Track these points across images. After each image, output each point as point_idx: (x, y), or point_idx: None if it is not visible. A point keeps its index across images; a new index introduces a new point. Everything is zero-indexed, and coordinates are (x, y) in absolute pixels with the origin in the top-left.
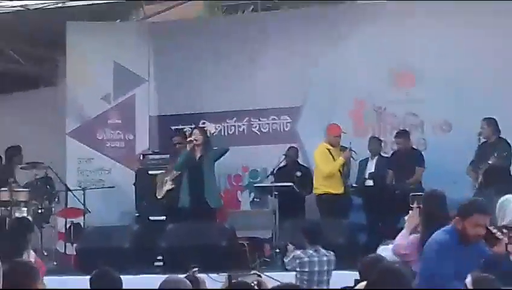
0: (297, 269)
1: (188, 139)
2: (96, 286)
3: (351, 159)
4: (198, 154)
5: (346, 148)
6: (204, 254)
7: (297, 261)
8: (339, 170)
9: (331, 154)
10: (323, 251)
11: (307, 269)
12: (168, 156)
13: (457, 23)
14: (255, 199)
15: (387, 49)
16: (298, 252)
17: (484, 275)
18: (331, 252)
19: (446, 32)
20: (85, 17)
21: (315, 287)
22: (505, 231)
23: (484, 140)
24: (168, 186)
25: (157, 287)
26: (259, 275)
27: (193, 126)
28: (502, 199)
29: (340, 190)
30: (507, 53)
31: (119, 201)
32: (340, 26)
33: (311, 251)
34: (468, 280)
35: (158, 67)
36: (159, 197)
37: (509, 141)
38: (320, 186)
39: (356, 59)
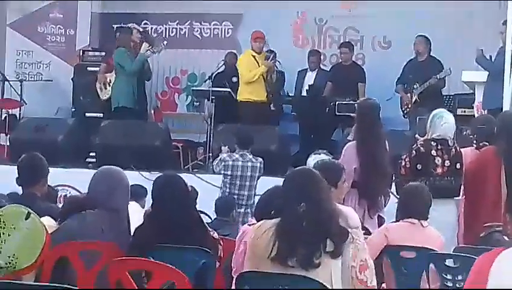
0: (222, 172)
1: (137, 40)
2: (24, 168)
3: (275, 68)
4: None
5: (270, 54)
6: (137, 152)
7: (223, 163)
8: (263, 78)
9: (256, 61)
10: (249, 156)
11: (229, 173)
12: (104, 53)
13: None
14: (195, 103)
15: None
16: (224, 155)
17: (414, 183)
18: (259, 159)
19: None
20: None
21: (236, 191)
22: (433, 143)
23: (415, 57)
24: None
25: (87, 181)
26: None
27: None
28: (433, 113)
29: (262, 97)
30: None
31: (57, 95)
32: None
33: (237, 155)
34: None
35: None
36: (103, 98)
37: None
38: (243, 92)
39: None
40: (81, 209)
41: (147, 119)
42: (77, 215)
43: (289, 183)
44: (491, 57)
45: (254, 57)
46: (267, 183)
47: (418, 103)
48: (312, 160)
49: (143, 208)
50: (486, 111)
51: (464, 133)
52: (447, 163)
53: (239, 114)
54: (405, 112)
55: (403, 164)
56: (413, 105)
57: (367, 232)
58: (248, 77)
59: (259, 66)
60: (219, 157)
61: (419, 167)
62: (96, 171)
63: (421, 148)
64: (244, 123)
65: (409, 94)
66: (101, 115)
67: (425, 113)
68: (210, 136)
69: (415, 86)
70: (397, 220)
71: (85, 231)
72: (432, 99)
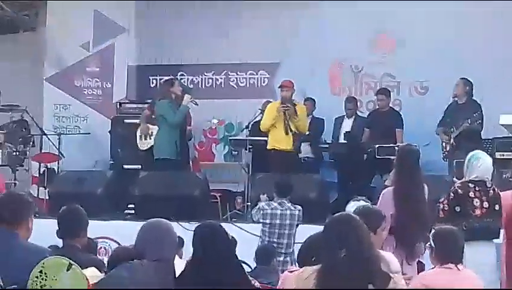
0: (261, 220)
1: (179, 92)
2: (64, 220)
3: (294, 115)
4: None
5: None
6: (176, 203)
7: (261, 212)
8: (288, 127)
9: None
10: (288, 204)
11: (268, 221)
12: (146, 106)
13: None
14: (233, 152)
15: (369, 12)
16: (263, 203)
17: (445, 227)
18: (297, 207)
19: None
20: None
21: (275, 240)
22: (471, 185)
23: (454, 100)
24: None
25: (127, 233)
26: None
27: (171, 77)
28: (469, 155)
29: (286, 146)
30: (486, 22)
31: (94, 148)
32: None
33: (275, 204)
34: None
35: (138, 17)
36: (142, 148)
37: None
38: (271, 141)
39: (337, 19)
40: (129, 259)
41: (190, 170)
42: (125, 265)
43: (329, 229)
44: None
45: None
46: (306, 231)
47: (455, 146)
48: (351, 207)
49: (180, 258)
50: None
51: (504, 176)
52: (486, 204)
53: (269, 163)
54: (444, 155)
55: (441, 207)
56: (451, 148)
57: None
58: (262, 124)
59: (284, 114)
60: (257, 206)
61: (457, 209)
62: (144, 222)
63: (459, 190)
64: (274, 172)
65: (447, 137)
66: (139, 166)
67: (463, 157)
68: (248, 185)
69: (451, 130)
70: (433, 267)
71: (133, 281)
72: (470, 142)
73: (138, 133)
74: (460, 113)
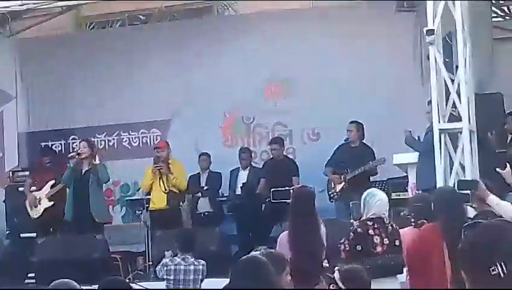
0: (165, 277)
1: (73, 153)
2: None
3: (168, 173)
4: (84, 168)
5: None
6: (76, 266)
7: (165, 268)
8: (164, 185)
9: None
10: (191, 259)
11: (172, 277)
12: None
13: (325, 34)
14: (137, 212)
15: (258, 62)
16: (167, 259)
17: (351, 266)
18: (201, 261)
19: (315, 43)
20: None
21: None
22: (369, 223)
23: (347, 142)
24: (45, 203)
25: None
26: None
27: (63, 142)
28: (365, 193)
29: (161, 204)
30: (372, 64)
31: None
32: (212, 39)
33: (179, 259)
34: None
35: (26, 84)
36: (34, 217)
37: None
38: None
39: (227, 71)
40: None
41: (96, 232)
42: None
43: (237, 272)
44: (419, 137)
45: None
46: (210, 285)
47: (347, 188)
48: None
49: None
50: (420, 192)
51: (401, 214)
52: (386, 241)
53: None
54: (331, 196)
55: (342, 247)
56: (343, 190)
57: None
58: (142, 186)
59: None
60: (161, 263)
61: (359, 248)
62: (51, 285)
63: (358, 229)
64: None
65: (338, 178)
66: (35, 234)
67: (357, 198)
68: (148, 244)
69: (345, 171)
70: None
71: None
72: (361, 185)
73: (27, 203)
74: (355, 156)
